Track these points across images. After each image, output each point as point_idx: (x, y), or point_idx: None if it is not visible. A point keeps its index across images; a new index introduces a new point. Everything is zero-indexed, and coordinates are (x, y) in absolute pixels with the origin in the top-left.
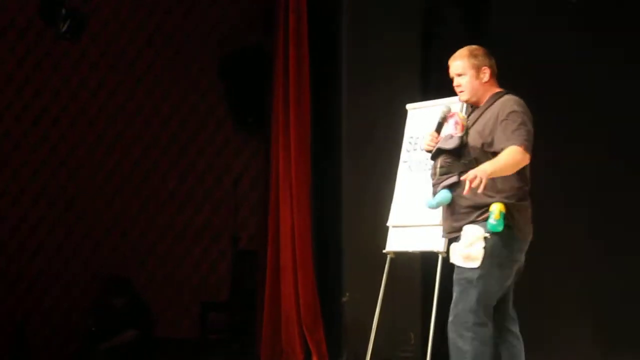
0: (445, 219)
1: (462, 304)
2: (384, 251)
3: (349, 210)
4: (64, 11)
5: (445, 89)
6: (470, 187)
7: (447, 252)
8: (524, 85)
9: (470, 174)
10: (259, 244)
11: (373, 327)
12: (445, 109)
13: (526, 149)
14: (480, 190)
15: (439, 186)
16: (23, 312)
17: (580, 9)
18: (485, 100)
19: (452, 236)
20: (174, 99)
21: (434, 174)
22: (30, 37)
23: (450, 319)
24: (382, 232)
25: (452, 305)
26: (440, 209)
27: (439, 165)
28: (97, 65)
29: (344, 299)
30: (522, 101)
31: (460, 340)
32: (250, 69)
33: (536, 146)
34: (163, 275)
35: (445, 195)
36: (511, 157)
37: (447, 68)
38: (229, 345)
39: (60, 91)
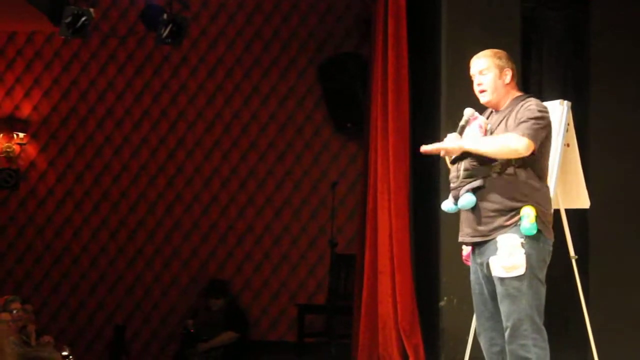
0: (466, 222)
1: (516, 314)
2: None
3: (446, 215)
4: (165, 16)
5: (545, 94)
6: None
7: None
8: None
9: (447, 144)
10: (357, 248)
11: (470, 331)
12: (468, 112)
13: (530, 138)
14: (442, 154)
15: (461, 189)
16: (123, 315)
17: None
18: (506, 104)
19: (477, 240)
20: (271, 106)
21: (456, 177)
22: (131, 43)
23: (507, 333)
24: None
25: (504, 320)
26: (456, 213)
27: (462, 168)
28: (196, 71)
29: (442, 304)
30: (542, 104)
31: (522, 350)
32: (348, 75)
33: None
34: (260, 279)
35: (470, 198)
36: (502, 140)
37: (548, 76)
38: (326, 348)
39: (160, 96)
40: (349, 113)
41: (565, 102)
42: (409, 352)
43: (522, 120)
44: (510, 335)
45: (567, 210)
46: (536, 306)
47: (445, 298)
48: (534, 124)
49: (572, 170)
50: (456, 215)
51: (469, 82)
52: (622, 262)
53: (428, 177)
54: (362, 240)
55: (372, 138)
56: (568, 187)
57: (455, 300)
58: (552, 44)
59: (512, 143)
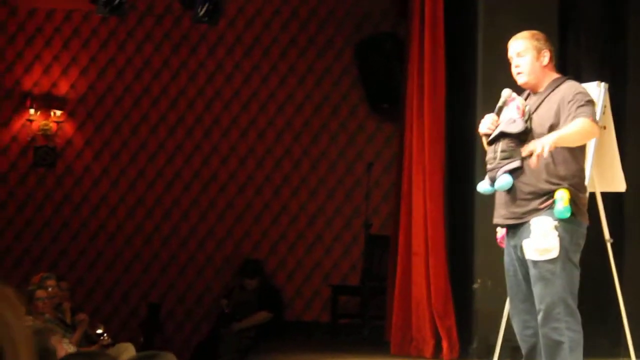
0: (503, 204)
1: (549, 297)
2: None
3: (481, 197)
4: None
5: (583, 76)
6: (538, 160)
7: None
8: None
9: (535, 145)
10: (391, 230)
11: (504, 314)
12: (506, 93)
13: (594, 121)
14: (545, 154)
15: (498, 170)
16: (157, 294)
17: None
18: (545, 86)
19: (511, 222)
20: (307, 85)
21: (493, 158)
22: (168, 22)
23: (540, 316)
24: None
25: (537, 303)
26: (490, 194)
27: (500, 149)
28: (232, 50)
29: (475, 286)
30: (584, 86)
31: (555, 333)
32: (385, 55)
33: None
34: (294, 259)
35: (507, 180)
36: (580, 126)
37: (585, 59)
38: (359, 330)
39: (197, 75)
40: (385, 93)
41: (603, 84)
42: (442, 334)
43: (580, 104)
44: (544, 318)
45: (602, 194)
46: (570, 289)
47: (479, 280)
48: (592, 108)
49: (609, 154)
50: (491, 197)
51: (506, 63)
52: None
53: (463, 159)
54: (396, 221)
55: (407, 119)
56: (604, 171)
57: (489, 283)
58: (590, 25)
59: (587, 128)
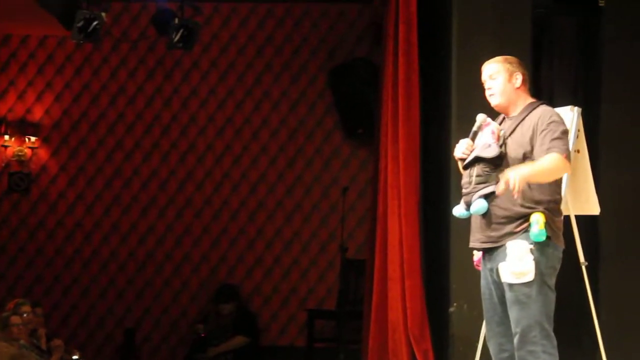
0: (478, 228)
1: (525, 320)
2: None
3: (457, 220)
4: (176, 21)
5: (556, 100)
6: (505, 189)
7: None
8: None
9: (508, 176)
10: (367, 254)
11: (480, 337)
12: (481, 118)
13: (567, 157)
14: (515, 196)
15: (473, 195)
16: (133, 319)
17: None
18: (519, 110)
19: (487, 246)
20: (282, 111)
21: (468, 183)
22: (143, 47)
23: (516, 339)
24: None
25: (513, 326)
26: (466, 218)
27: (475, 174)
28: (207, 76)
29: (452, 310)
30: (557, 112)
31: (531, 356)
32: (359, 80)
33: None
34: (270, 284)
35: (482, 204)
36: (552, 164)
37: (558, 83)
38: (336, 354)
39: (171, 100)
40: (359, 119)
41: (576, 108)
42: (419, 358)
43: (554, 136)
44: (519, 342)
45: (577, 217)
46: (545, 312)
47: (455, 304)
48: (566, 140)
49: (583, 177)
50: (466, 221)
51: (480, 88)
52: (632, 268)
53: (438, 183)
54: (372, 245)
55: (382, 144)
56: (578, 194)
57: (465, 306)
58: (564, 50)
59: (559, 165)
